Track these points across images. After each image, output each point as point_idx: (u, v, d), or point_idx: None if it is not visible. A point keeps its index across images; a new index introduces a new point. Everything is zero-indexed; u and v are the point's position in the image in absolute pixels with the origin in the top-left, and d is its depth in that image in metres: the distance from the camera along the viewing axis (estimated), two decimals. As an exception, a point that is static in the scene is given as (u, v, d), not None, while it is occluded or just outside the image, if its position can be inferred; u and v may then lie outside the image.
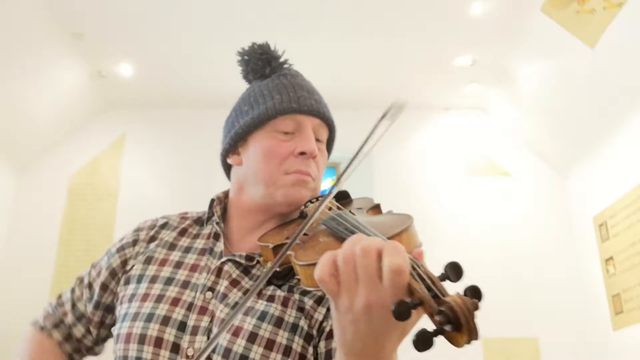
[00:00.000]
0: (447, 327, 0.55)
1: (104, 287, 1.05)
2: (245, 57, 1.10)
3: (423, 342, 0.54)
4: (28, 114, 3.96)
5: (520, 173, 4.48)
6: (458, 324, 0.54)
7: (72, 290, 1.11)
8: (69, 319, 1.08)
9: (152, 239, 1.06)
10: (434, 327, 0.56)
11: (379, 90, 4.46)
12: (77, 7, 3.50)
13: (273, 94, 1.02)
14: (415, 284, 0.59)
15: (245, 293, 0.92)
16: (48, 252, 4.14)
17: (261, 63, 1.08)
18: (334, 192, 0.74)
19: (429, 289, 0.58)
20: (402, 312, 0.56)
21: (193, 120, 4.49)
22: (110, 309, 1.06)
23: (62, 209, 4.28)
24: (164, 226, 1.09)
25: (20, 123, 3.96)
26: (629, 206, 3.52)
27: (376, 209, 0.95)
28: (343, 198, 1.01)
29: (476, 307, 0.56)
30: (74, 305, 1.08)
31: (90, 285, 1.08)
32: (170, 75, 4.20)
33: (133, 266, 1.03)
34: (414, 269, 0.61)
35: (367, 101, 4.53)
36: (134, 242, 1.07)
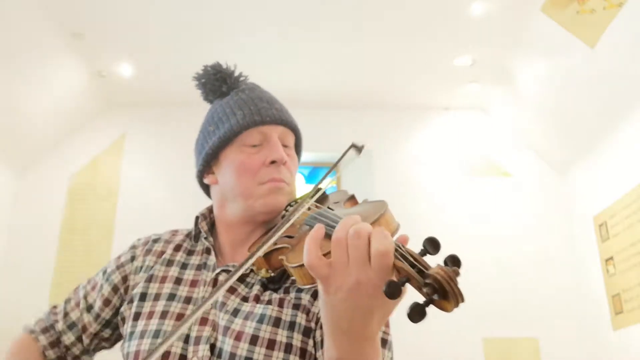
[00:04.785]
0: (435, 297, 0.60)
1: (107, 302, 1.10)
2: (202, 80, 1.14)
3: (417, 313, 0.59)
4: (28, 114, 3.96)
5: (520, 173, 4.48)
6: (444, 292, 0.59)
7: (67, 301, 1.16)
8: (60, 326, 1.12)
9: (148, 252, 1.12)
10: (424, 299, 0.60)
11: (380, 91, 4.46)
12: (77, 6, 3.51)
13: (235, 111, 1.06)
14: (400, 263, 0.64)
15: (242, 299, 0.97)
16: (48, 252, 4.14)
17: (217, 83, 1.12)
18: (309, 202, 0.83)
19: (412, 265, 0.64)
20: (394, 291, 0.61)
21: (193, 120, 4.48)
22: (108, 324, 1.11)
23: (62, 209, 4.28)
24: (156, 241, 1.15)
25: (20, 123, 3.96)
26: (629, 206, 3.52)
27: (352, 199, 1.00)
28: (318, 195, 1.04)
29: (457, 274, 0.61)
30: (66, 315, 1.13)
31: (85, 297, 1.13)
32: (170, 75, 4.20)
33: (135, 284, 1.08)
34: (396, 250, 0.66)
35: (368, 102, 4.54)
36: (132, 259, 1.12)
